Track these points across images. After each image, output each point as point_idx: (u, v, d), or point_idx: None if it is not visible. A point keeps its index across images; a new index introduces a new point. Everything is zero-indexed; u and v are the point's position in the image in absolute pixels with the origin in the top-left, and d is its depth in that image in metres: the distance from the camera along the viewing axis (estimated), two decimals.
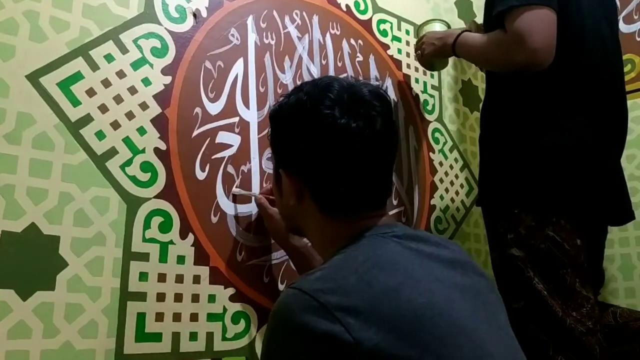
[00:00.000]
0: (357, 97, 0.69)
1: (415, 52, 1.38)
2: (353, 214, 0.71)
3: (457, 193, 1.47)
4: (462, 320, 0.59)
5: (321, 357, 0.54)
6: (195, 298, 0.91)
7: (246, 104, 1.06)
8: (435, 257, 0.66)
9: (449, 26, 1.38)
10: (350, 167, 0.69)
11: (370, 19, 1.37)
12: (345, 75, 1.26)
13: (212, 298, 0.93)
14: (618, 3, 1.63)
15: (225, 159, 1.01)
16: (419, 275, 0.61)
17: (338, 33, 1.28)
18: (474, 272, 0.69)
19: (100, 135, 0.86)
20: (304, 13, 1.22)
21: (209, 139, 0.99)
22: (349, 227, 0.70)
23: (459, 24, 1.62)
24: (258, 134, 1.07)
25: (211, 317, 0.92)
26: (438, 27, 1.35)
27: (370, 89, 0.71)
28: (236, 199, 1.00)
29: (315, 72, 1.20)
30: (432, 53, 1.31)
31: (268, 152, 1.07)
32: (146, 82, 0.93)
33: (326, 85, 0.71)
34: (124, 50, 0.92)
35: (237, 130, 1.03)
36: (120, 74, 0.91)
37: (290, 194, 0.74)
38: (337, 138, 0.67)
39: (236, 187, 1.00)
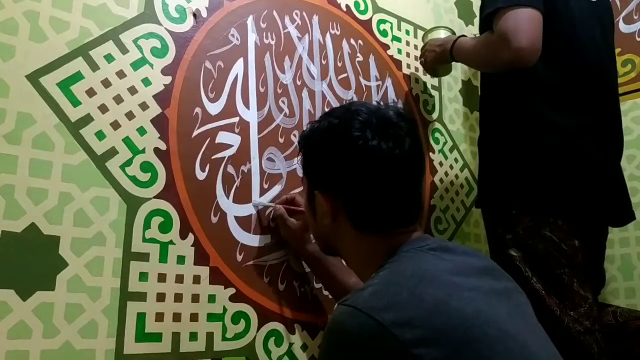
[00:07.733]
0: (385, 120, 0.73)
1: (419, 59, 1.40)
2: (386, 231, 0.73)
3: (457, 193, 1.47)
4: (505, 324, 0.60)
5: None
6: (195, 298, 0.91)
7: (246, 104, 1.06)
8: (469, 266, 0.68)
9: (453, 33, 1.38)
10: (382, 185, 0.72)
11: (370, 19, 1.37)
12: (345, 75, 1.26)
13: (212, 298, 0.93)
14: (618, 3, 1.63)
15: (225, 159, 1.01)
16: (460, 285, 0.63)
17: (338, 33, 1.28)
18: (503, 276, 0.72)
19: (100, 135, 0.86)
20: (304, 13, 1.22)
21: (209, 139, 0.99)
22: (385, 243, 0.72)
23: (459, 24, 1.62)
24: (258, 134, 1.07)
25: (211, 317, 0.92)
26: (442, 34, 1.37)
27: (395, 110, 0.75)
28: (258, 212, 1.02)
29: (315, 72, 1.20)
30: (434, 60, 1.33)
31: (268, 152, 1.07)
32: (146, 82, 0.93)
33: (355, 110, 0.74)
34: (124, 50, 0.92)
35: (237, 130, 1.03)
36: (120, 74, 0.91)
37: (324, 213, 0.77)
38: (369, 159, 0.71)
39: (256, 202, 1.02)
